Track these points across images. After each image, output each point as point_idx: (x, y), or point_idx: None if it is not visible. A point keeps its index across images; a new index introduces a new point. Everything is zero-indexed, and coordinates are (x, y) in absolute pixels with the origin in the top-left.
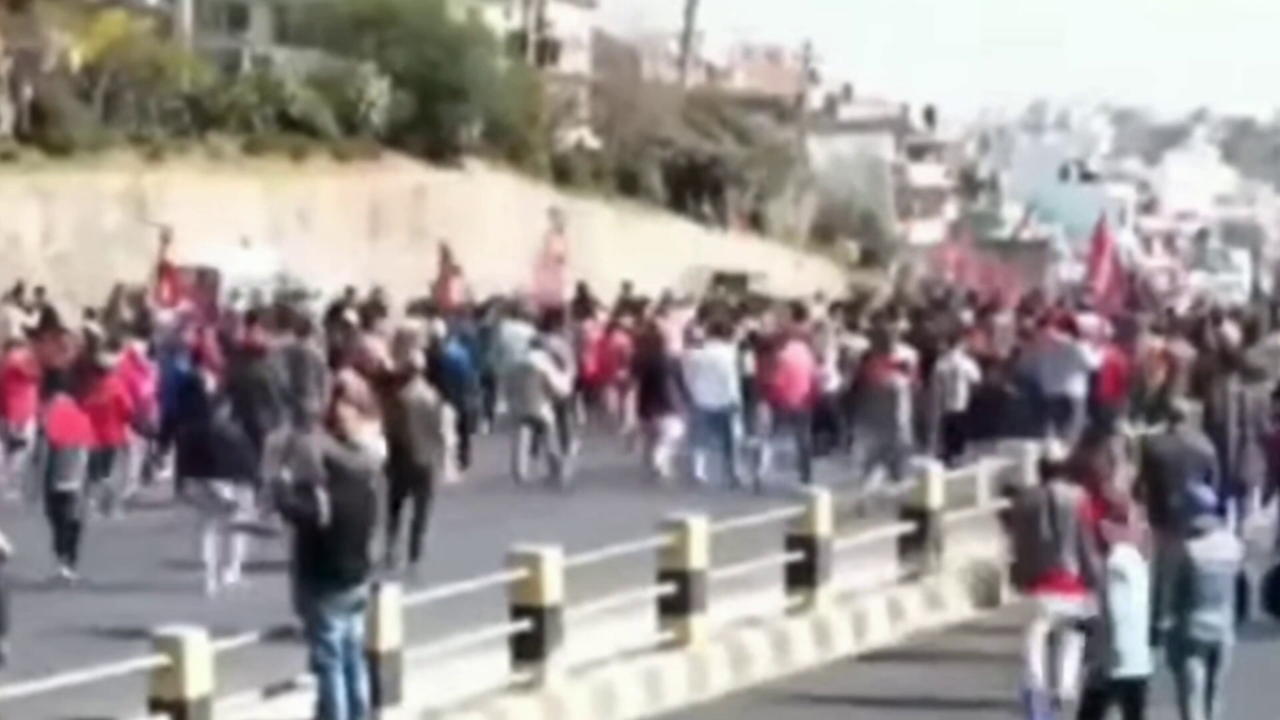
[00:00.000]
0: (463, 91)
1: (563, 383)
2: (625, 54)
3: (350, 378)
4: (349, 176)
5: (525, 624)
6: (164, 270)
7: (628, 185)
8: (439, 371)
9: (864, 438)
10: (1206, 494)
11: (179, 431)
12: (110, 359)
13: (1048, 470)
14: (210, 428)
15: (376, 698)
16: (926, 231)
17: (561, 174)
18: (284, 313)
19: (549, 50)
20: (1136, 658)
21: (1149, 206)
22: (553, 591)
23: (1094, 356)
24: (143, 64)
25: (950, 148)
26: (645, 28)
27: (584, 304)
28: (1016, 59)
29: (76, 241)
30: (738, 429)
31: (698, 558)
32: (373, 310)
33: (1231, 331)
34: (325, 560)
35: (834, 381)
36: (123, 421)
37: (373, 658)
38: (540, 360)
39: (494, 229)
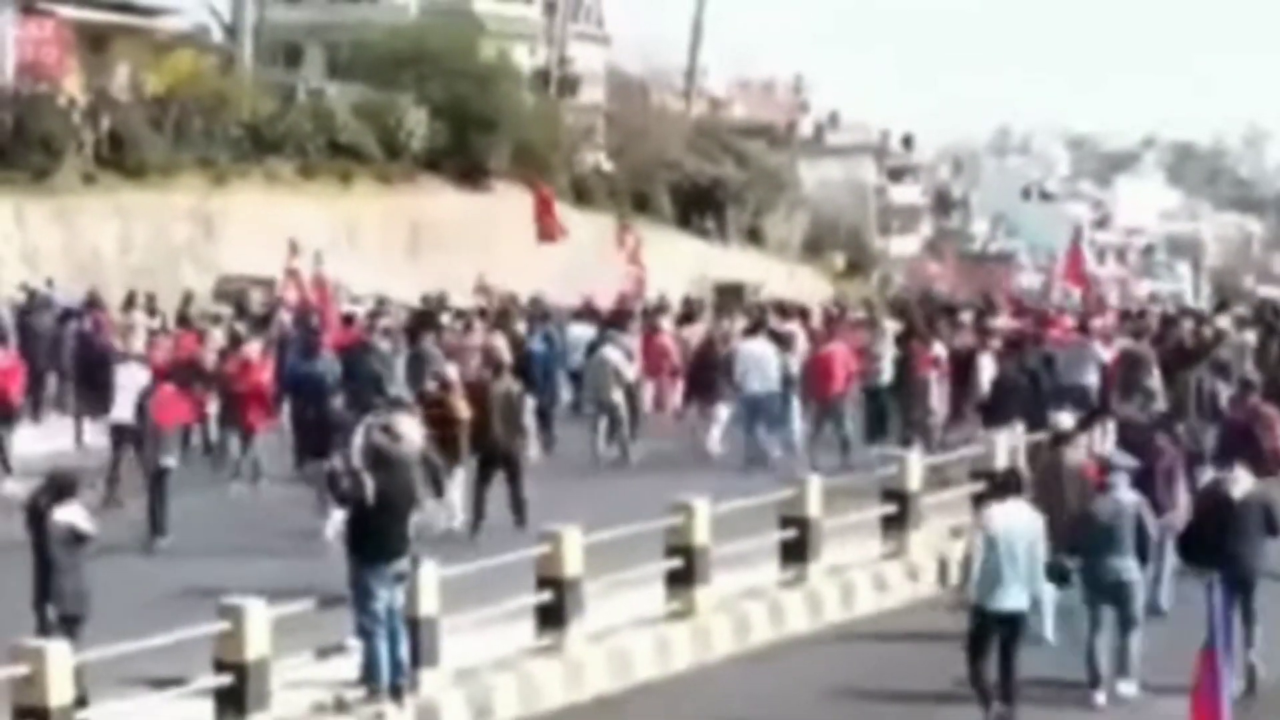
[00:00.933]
0: (492, 121)
1: (631, 372)
2: (637, 87)
3: (452, 371)
4: (391, 197)
5: (548, 595)
6: (290, 275)
7: (639, 204)
8: (524, 366)
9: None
10: (1122, 458)
11: (299, 417)
12: (254, 353)
13: (1057, 439)
14: (327, 414)
15: (416, 660)
16: (905, 245)
17: (580, 194)
18: (425, 316)
19: (569, 84)
20: None
21: (1102, 223)
22: (573, 566)
23: (1106, 352)
24: (209, 96)
25: (925, 170)
26: (655, 63)
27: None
28: (983, 89)
29: (150, 255)
30: (776, 413)
31: (702, 535)
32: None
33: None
34: (371, 536)
35: (886, 375)
36: (264, 408)
37: (413, 624)
38: (612, 353)
39: (519, 244)
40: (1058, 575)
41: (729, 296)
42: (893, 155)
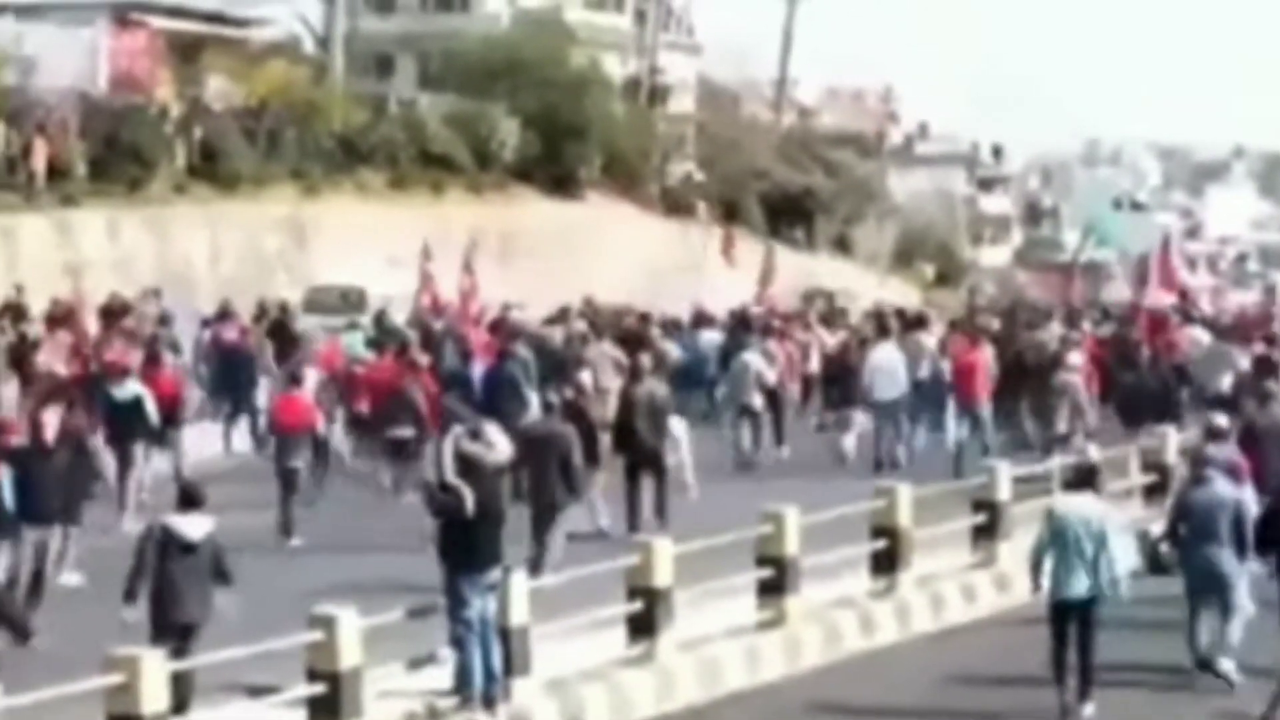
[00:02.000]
0: (583, 131)
1: (772, 376)
2: (727, 96)
3: (586, 377)
4: (482, 207)
5: (639, 604)
6: (426, 280)
7: (729, 213)
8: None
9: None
10: (1218, 450)
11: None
12: (422, 359)
13: (1211, 435)
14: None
15: (508, 669)
16: (995, 255)
17: (670, 204)
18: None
19: (660, 93)
20: None
21: (1193, 232)
22: (664, 575)
23: (1244, 359)
24: (301, 106)
25: (1015, 180)
26: (745, 73)
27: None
28: (1073, 101)
29: (241, 265)
30: (905, 419)
31: (792, 545)
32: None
33: None
34: (465, 546)
35: None
36: (433, 410)
37: (504, 633)
38: (754, 358)
39: (610, 252)
40: (1157, 563)
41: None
42: (983, 165)
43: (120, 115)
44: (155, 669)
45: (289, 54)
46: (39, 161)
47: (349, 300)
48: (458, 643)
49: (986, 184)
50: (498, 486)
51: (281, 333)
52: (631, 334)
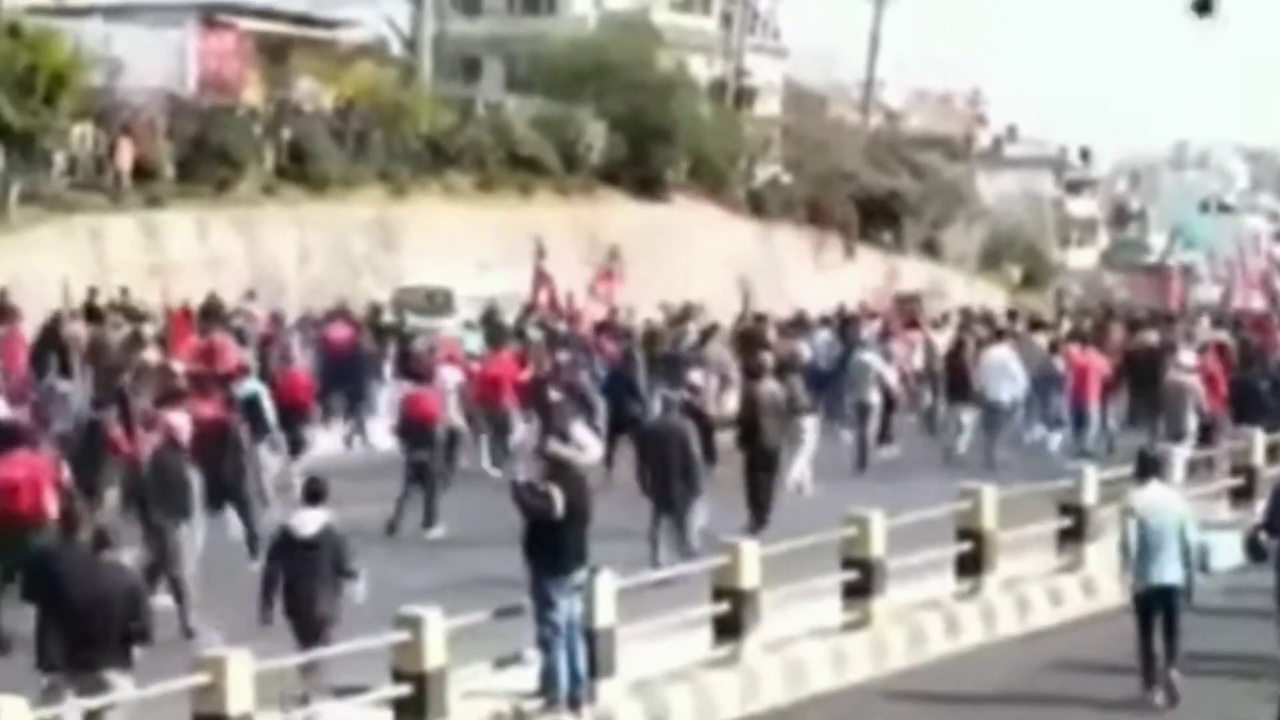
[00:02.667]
0: (670, 133)
1: (892, 376)
2: (814, 99)
3: (697, 377)
4: (569, 209)
5: (725, 605)
6: (542, 279)
7: (815, 216)
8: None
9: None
10: None
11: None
12: (544, 360)
13: None
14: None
15: (594, 670)
16: (1083, 258)
17: (757, 206)
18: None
19: (746, 96)
20: None
21: None
22: (750, 577)
23: None
24: (388, 108)
25: (1103, 183)
26: (831, 76)
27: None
28: (1160, 105)
29: (329, 266)
30: (1020, 419)
31: (878, 547)
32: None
33: None
34: (551, 547)
35: None
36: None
37: (590, 634)
38: (873, 358)
39: (698, 255)
40: (1256, 550)
41: (907, 307)
42: (1071, 168)
43: (208, 116)
44: (240, 670)
45: (376, 56)
46: (125, 162)
47: (436, 301)
48: (544, 644)
49: (1074, 187)
50: (584, 488)
51: (395, 334)
52: (750, 334)
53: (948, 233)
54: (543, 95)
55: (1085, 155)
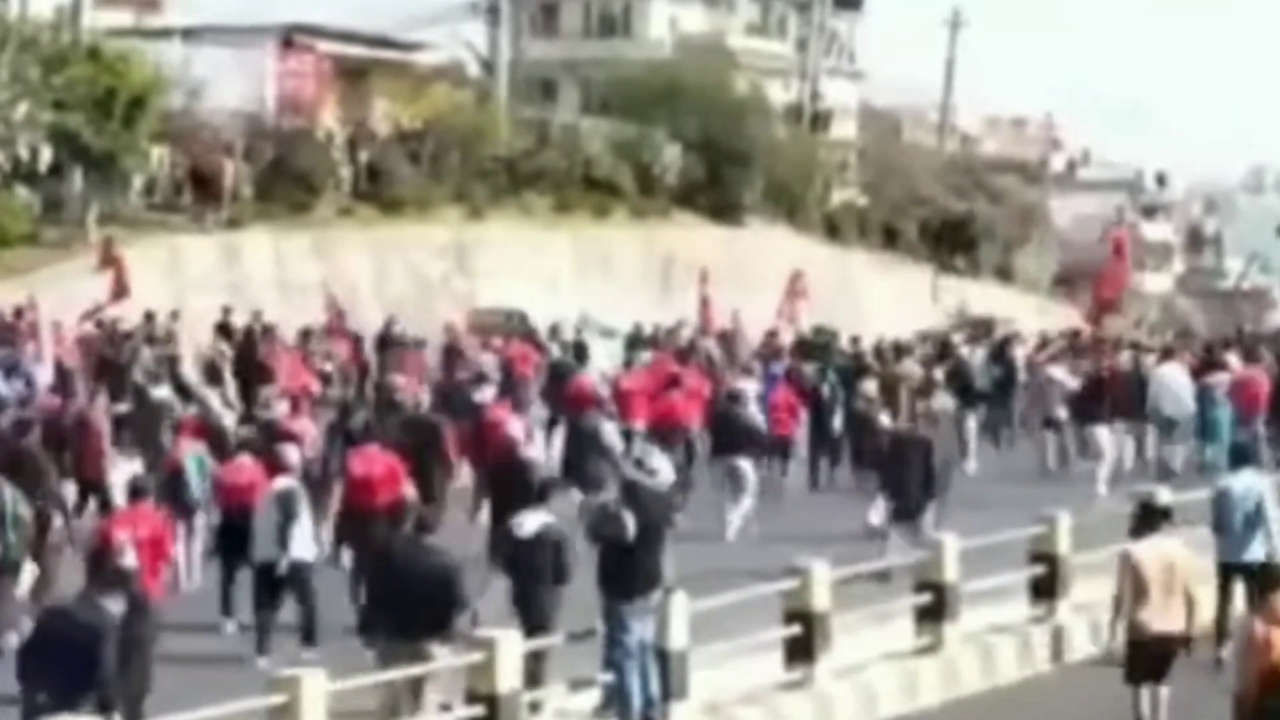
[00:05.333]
0: (745, 156)
1: (1075, 386)
2: (889, 122)
3: (871, 386)
4: (644, 231)
5: (797, 628)
6: (705, 304)
7: (890, 239)
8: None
9: None
10: None
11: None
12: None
13: None
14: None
15: (666, 692)
16: (1158, 282)
17: (831, 229)
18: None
19: (821, 119)
20: None
21: None
22: (821, 600)
23: None
24: (464, 130)
25: (1178, 207)
26: (907, 99)
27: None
28: (1238, 128)
29: (405, 287)
30: (1188, 433)
31: (951, 572)
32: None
33: None
34: (626, 570)
35: None
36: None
37: (663, 657)
38: (1059, 372)
39: (773, 278)
40: None
41: (980, 331)
42: (1145, 191)
43: (287, 138)
44: (315, 689)
45: (453, 78)
46: (205, 184)
47: (512, 323)
48: (616, 667)
49: (1149, 211)
50: (660, 511)
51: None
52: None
53: (1021, 256)
54: (618, 118)
55: (1161, 179)
